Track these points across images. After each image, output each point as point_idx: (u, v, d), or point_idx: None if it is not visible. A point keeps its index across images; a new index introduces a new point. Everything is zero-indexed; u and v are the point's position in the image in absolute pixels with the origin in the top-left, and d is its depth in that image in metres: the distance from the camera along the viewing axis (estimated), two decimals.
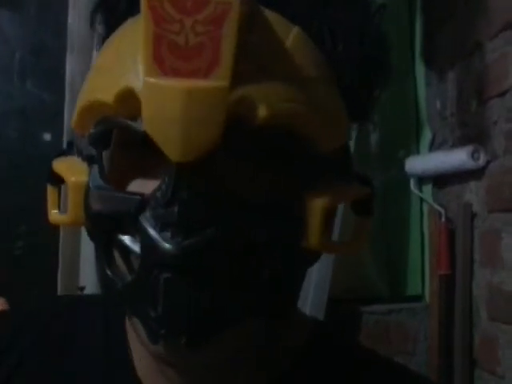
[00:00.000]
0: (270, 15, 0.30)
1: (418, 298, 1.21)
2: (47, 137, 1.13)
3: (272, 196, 0.30)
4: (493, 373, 0.97)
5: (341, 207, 0.35)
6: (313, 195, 0.30)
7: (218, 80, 0.27)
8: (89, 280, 0.96)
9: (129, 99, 0.28)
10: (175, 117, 0.27)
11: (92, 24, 0.37)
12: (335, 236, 0.35)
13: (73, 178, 0.31)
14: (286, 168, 0.31)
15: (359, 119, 0.37)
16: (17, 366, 0.40)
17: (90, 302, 0.44)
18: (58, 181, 0.33)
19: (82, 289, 0.98)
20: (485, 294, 1.00)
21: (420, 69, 1.23)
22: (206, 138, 0.27)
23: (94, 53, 0.97)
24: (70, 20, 1.01)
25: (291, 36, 0.30)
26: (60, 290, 0.99)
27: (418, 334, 1.16)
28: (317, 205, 0.30)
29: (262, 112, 0.28)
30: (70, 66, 1.00)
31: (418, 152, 1.23)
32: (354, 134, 1.05)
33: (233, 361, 0.33)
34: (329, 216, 0.30)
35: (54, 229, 0.97)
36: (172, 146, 0.27)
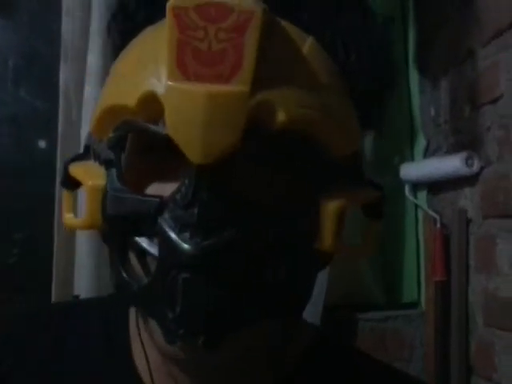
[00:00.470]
0: (287, 25, 0.31)
1: (414, 304, 1.21)
2: (42, 144, 1.13)
3: (288, 199, 0.31)
4: (489, 379, 0.96)
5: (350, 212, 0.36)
6: (326, 199, 0.31)
7: (239, 85, 0.28)
8: (83, 288, 0.95)
9: (151, 103, 0.29)
10: (197, 120, 0.27)
11: (109, 32, 0.38)
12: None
13: (90, 182, 0.32)
14: (301, 173, 0.32)
15: (370, 128, 0.39)
16: (12, 367, 0.40)
17: (87, 305, 0.44)
18: (74, 185, 0.34)
19: (77, 297, 0.97)
20: (480, 300, 1.00)
21: (414, 76, 1.24)
22: (227, 141, 0.28)
23: (89, 59, 0.97)
24: (63, 28, 1.01)
25: (307, 45, 0.31)
26: (54, 299, 0.98)
27: (414, 340, 1.16)
28: (330, 208, 0.31)
29: (281, 117, 0.29)
30: (64, 74, 1.00)
31: (412, 159, 1.23)
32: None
33: (242, 361, 0.34)
34: (341, 219, 0.31)
35: (49, 237, 0.97)
36: (193, 148, 0.28)
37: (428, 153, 1.19)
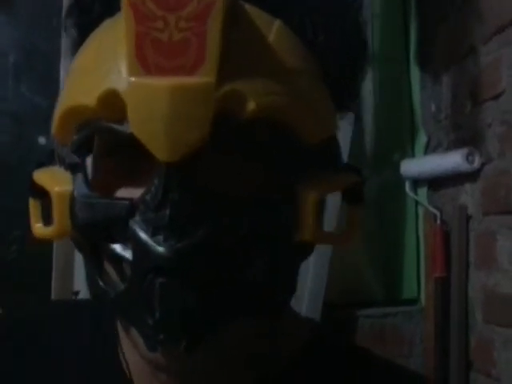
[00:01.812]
0: (252, 9, 0.30)
1: (414, 300, 1.21)
2: (42, 140, 1.13)
3: (262, 190, 0.30)
4: (488, 375, 0.97)
5: (338, 199, 0.35)
6: (303, 187, 0.30)
7: (204, 76, 0.26)
8: (83, 284, 0.95)
9: (112, 101, 0.27)
10: (161, 116, 0.26)
11: (65, 28, 0.36)
12: (333, 228, 0.35)
13: (56, 188, 0.30)
14: (275, 161, 0.30)
15: (345, 108, 0.37)
16: (4, 367, 0.39)
17: (80, 306, 0.44)
18: (40, 193, 0.32)
19: (77, 293, 0.97)
20: (480, 297, 1.00)
21: (415, 72, 1.23)
22: (194, 135, 0.26)
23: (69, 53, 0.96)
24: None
25: (274, 29, 0.30)
26: (54, 295, 0.98)
27: (414, 336, 1.16)
28: (308, 196, 0.30)
29: (250, 106, 0.27)
30: (65, 70, 1.00)
31: (413, 155, 1.23)
32: (349, 137, 1.05)
33: (227, 363, 0.33)
34: (320, 207, 0.30)
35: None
36: (159, 146, 0.26)
37: (429, 149, 1.18)
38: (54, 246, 0.98)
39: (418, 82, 1.22)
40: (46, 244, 0.99)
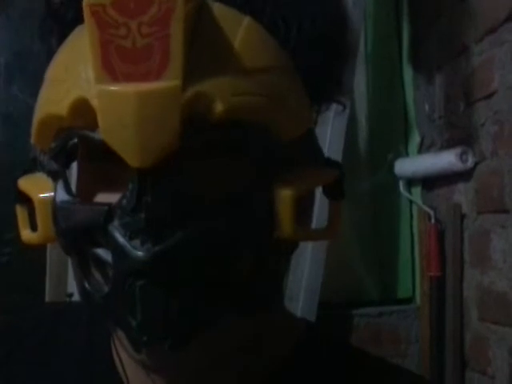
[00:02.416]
0: (219, 8, 0.30)
1: (409, 300, 1.21)
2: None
3: (238, 190, 0.30)
4: (484, 373, 0.97)
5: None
6: (280, 185, 0.30)
7: (170, 80, 0.26)
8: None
9: (83, 109, 0.28)
10: (130, 122, 0.26)
11: (41, 36, 0.37)
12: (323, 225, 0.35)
13: (39, 195, 0.31)
14: (250, 160, 0.30)
15: (323, 101, 0.37)
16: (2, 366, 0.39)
17: (74, 309, 0.44)
18: (26, 199, 0.33)
19: (71, 295, 0.97)
20: (475, 295, 1.00)
21: (408, 72, 1.24)
22: (163, 140, 0.27)
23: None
24: None
25: (242, 27, 0.30)
26: (48, 297, 0.98)
27: (410, 336, 1.16)
28: (285, 194, 0.29)
29: (218, 107, 0.27)
30: None
31: (407, 154, 1.23)
32: (343, 137, 1.05)
33: (215, 362, 0.33)
34: (300, 203, 0.30)
35: None
36: (130, 151, 0.27)
37: (422, 148, 1.19)
38: (48, 248, 0.98)
39: (412, 81, 1.22)
40: (39, 247, 0.98)
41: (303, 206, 0.31)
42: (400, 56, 1.25)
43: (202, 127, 0.28)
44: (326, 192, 0.33)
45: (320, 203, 0.36)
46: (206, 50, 0.28)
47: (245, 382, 0.36)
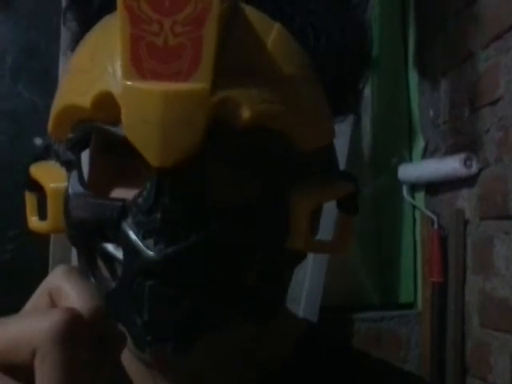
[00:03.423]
0: (251, 12, 0.29)
1: (410, 305, 1.21)
2: (38, 141, 1.12)
3: (255, 198, 0.30)
4: (484, 380, 0.97)
5: (335, 207, 0.34)
6: (297, 195, 0.30)
7: (199, 82, 0.26)
8: None
9: (107, 103, 0.27)
10: (154, 121, 0.26)
11: (64, 22, 0.36)
12: (329, 235, 0.35)
13: (51, 185, 0.31)
14: (269, 169, 0.30)
15: (345, 113, 0.37)
16: None
17: None
18: (36, 187, 0.32)
19: None
20: (477, 301, 1.00)
21: (413, 77, 1.24)
22: (187, 142, 0.26)
23: (68, 52, 0.96)
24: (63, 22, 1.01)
25: (273, 33, 0.29)
26: None
27: (410, 341, 1.16)
28: (301, 205, 0.29)
29: (245, 113, 0.27)
30: (64, 69, 1.00)
31: (410, 159, 1.23)
32: (348, 141, 1.05)
33: (218, 364, 0.33)
34: (314, 215, 0.30)
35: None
36: (152, 151, 0.26)
37: (426, 154, 1.19)
38: (51, 245, 0.98)
39: (417, 87, 1.22)
40: (42, 243, 0.98)
41: (314, 218, 0.31)
42: (405, 61, 1.25)
43: (226, 132, 0.28)
44: (340, 206, 0.33)
45: (323, 215, 0.36)
46: (237, 54, 0.28)
47: (245, 381, 0.36)
